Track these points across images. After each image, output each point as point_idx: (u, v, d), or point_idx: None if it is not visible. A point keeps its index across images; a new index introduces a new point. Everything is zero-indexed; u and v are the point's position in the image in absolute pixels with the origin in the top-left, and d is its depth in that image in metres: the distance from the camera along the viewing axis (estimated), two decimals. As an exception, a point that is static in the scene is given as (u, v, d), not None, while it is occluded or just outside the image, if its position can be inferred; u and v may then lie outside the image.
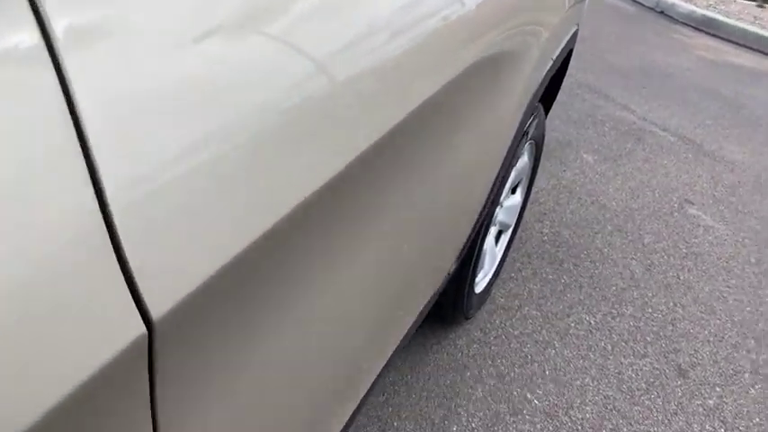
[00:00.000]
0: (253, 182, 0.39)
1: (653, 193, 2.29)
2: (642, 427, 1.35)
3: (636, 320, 1.65)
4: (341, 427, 0.77)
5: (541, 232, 1.97)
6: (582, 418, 1.34)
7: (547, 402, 1.37)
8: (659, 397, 1.42)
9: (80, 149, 0.29)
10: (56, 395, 0.25)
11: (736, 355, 1.59)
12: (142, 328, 0.29)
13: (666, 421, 1.36)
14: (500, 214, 1.47)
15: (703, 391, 1.46)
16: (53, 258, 0.26)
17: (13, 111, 0.27)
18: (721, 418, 1.39)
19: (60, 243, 0.27)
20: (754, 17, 4.89)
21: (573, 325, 1.60)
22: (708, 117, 3.06)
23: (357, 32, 0.54)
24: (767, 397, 1.47)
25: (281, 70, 0.44)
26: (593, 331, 1.59)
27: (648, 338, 1.59)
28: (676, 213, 2.18)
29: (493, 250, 1.55)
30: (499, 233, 1.62)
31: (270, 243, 0.40)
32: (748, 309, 1.76)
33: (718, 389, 1.47)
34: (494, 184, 1.15)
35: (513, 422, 1.31)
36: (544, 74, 1.23)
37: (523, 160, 1.45)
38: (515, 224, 1.66)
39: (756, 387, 1.49)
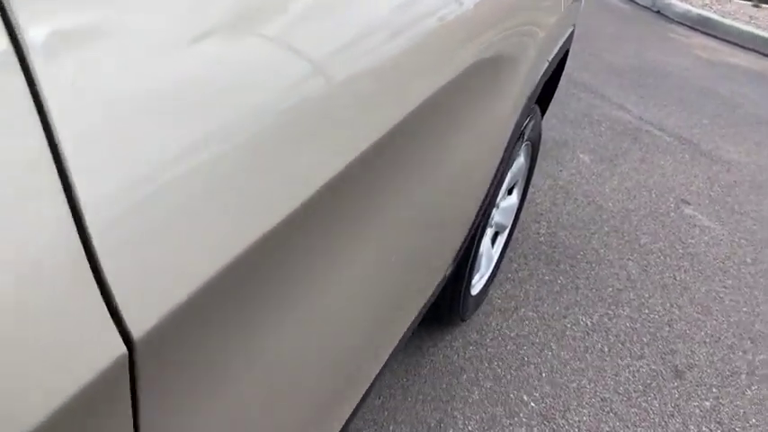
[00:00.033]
0: (244, 189, 0.38)
1: (649, 194, 2.29)
2: (639, 429, 1.34)
3: (633, 321, 1.65)
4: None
5: (538, 233, 1.96)
6: (579, 421, 1.34)
7: (543, 405, 1.36)
8: (656, 399, 1.42)
9: (53, 159, 0.27)
10: (30, 422, 0.24)
11: (732, 356, 1.58)
12: (122, 348, 0.28)
13: (663, 423, 1.36)
14: (496, 215, 1.46)
15: (700, 393, 1.45)
16: (23, 274, 0.25)
17: None
18: (718, 420, 1.39)
19: (31, 258, 0.25)
20: (750, 17, 4.90)
21: (570, 326, 1.60)
22: (704, 117, 3.06)
23: (355, 33, 0.54)
24: (764, 398, 1.46)
25: (278, 71, 0.44)
26: (590, 333, 1.59)
27: (645, 340, 1.59)
28: (673, 213, 2.18)
29: (489, 252, 1.55)
30: (495, 234, 1.61)
31: (260, 253, 0.39)
32: (745, 309, 1.76)
33: (714, 390, 1.47)
34: (490, 186, 1.14)
35: (510, 425, 1.30)
36: (540, 75, 1.22)
37: (520, 161, 1.45)
38: (512, 225, 1.65)
39: (753, 388, 1.49)
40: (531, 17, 1.07)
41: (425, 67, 0.66)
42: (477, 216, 1.13)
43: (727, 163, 2.62)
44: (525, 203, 1.90)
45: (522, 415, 1.33)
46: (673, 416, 1.38)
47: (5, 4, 0.28)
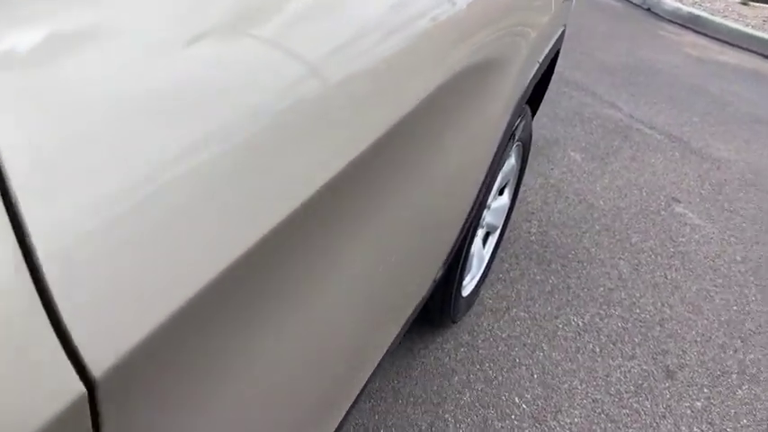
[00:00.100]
0: (215, 211, 0.36)
1: (640, 192, 2.29)
2: (631, 430, 1.34)
3: (624, 321, 1.64)
4: None
5: (529, 232, 1.95)
6: (570, 423, 1.33)
7: (535, 407, 1.35)
8: (647, 399, 1.42)
9: None
10: None
11: (723, 355, 1.58)
12: (81, 388, 0.26)
13: (655, 424, 1.36)
14: (487, 216, 1.45)
15: (691, 393, 1.45)
16: None
17: None
18: (709, 420, 1.39)
19: None
20: (739, 14, 4.92)
21: (561, 327, 1.59)
22: (694, 114, 3.07)
23: (352, 35, 0.54)
24: (754, 398, 1.47)
25: (274, 73, 0.43)
26: (582, 333, 1.58)
27: (636, 340, 1.59)
28: (663, 212, 2.18)
29: (480, 252, 1.54)
30: (487, 235, 1.60)
31: (238, 273, 0.37)
32: (735, 308, 1.76)
33: (705, 390, 1.47)
34: (481, 187, 1.13)
35: (501, 427, 1.30)
36: (531, 75, 1.21)
37: (511, 162, 1.44)
38: (503, 225, 1.65)
39: (744, 388, 1.49)
40: (523, 18, 1.05)
41: (420, 68, 0.66)
42: (468, 217, 1.12)
43: (717, 161, 2.63)
44: (516, 203, 1.89)
45: (513, 417, 1.32)
46: (664, 417, 1.38)
47: None
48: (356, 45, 0.54)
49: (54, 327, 0.25)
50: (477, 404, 1.34)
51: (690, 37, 4.48)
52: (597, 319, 1.63)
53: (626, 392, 1.43)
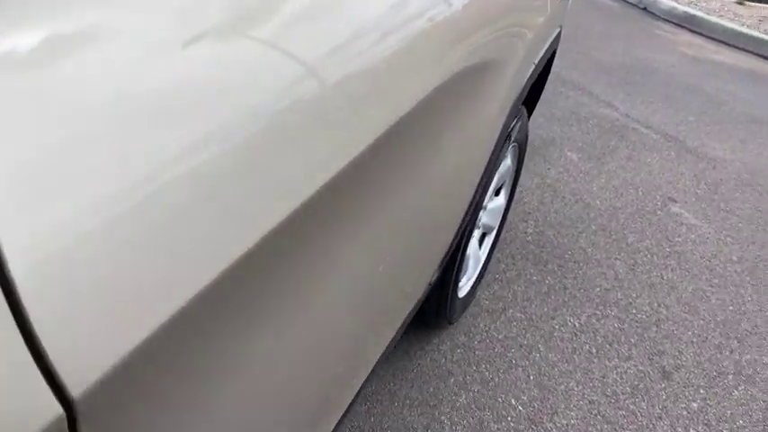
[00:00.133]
0: (215, 211, 0.35)
1: (636, 192, 2.29)
2: None
3: (620, 322, 1.64)
4: None
5: (525, 232, 1.95)
6: (567, 424, 1.33)
7: (531, 408, 1.35)
8: (643, 401, 1.41)
9: None
10: None
11: (719, 356, 1.58)
12: (57, 410, 0.25)
13: (651, 426, 1.36)
14: (484, 217, 1.45)
15: (687, 394, 1.45)
16: None
17: None
18: (705, 422, 1.39)
19: None
20: (734, 14, 4.93)
21: (557, 327, 1.59)
22: (690, 114, 3.07)
23: (349, 36, 0.54)
24: (750, 399, 1.47)
25: (271, 74, 0.43)
26: (578, 334, 1.58)
27: (633, 340, 1.59)
28: (659, 212, 2.18)
29: (476, 253, 1.53)
30: (483, 235, 1.60)
31: (233, 279, 0.36)
32: (731, 308, 1.76)
33: (702, 391, 1.47)
34: (477, 188, 1.12)
35: (497, 429, 1.29)
36: (527, 77, 1.20)
37: (507, 163, 1.43)
38: (499, 226, 1.64)
39: (740, 389, 1.49)
40: (518, 19, 1.05)
41: (418, 69, 0.66)
42: (464, 217, 1.12)
43: (712, 160, 2.63)
44: (513, 203, 1.89)
45: (509, 419, 1.32)
46: (660, 418, 1.38)
47: None
48: (355, 46, 0.54)
49: (27, 341, 0.24)
50: (473, 406, 1.33)
51: (686, 36, 4.49)
52: (594, 320, 1.63)
53: (622, 393, 1.42)
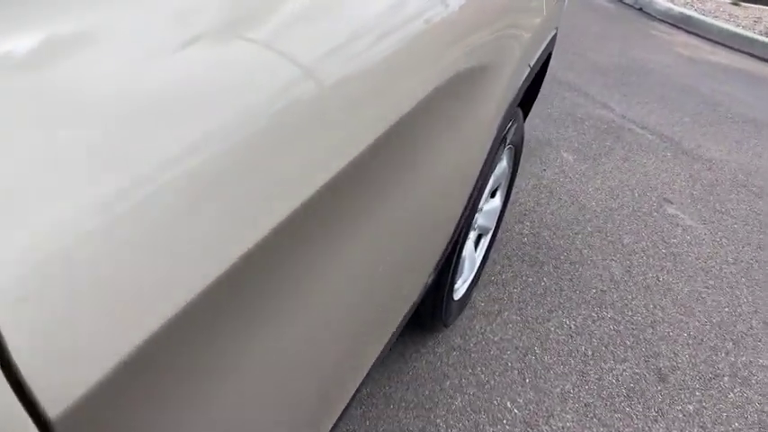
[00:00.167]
0: (215, 211, 0.35)
1: (632, 193, 2.29)
2: (623, 434, 1.33)
3: (616, 324, 1.64)
4: None
5: (521, 233, 1.95)
6: (562, 427, 1.32)
7: (527, 411, 1.35)
8: (639, 403, 1.41)
9: None
10: None
11: (715, 357, 1.58)
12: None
13: (647, 428, 1.35)
14: (480, 219, 1.44)
15: (683, 396, 1.45)
16: None
17: None
18: (701, 424, 1.39)
19: None
20: (730, 15, 4.94)
21: (553, 329, 1.58)
22: (685, 114, 3.07)
23: (348, 37, 0.54)
24: (746, 401, 1.47)
25: (270, 75, 0.43)
26: (574, 336, 1.58)
27: (628, 342, 1.58)
28: (655, 213, 2.18)
29: (472, 255, 1.53)
30: (479, 237, 1.59)
31: (221, 290, 0.36)
32: (726, 309, 1.76)
33: (697, 393, 1.46)
34: (473, 190, 1.12)
35: (494, 432, 1.29)
36: (523, 79, 1.20)
37: (502, 165, 1.43)
38: (495, 227, 1.64)
39: (735, 391, 1.49)
40: (514, 20, 1.04)
41: (416, 70, 0.67)
42: (460, 219, 1.11)
43: (708, 161, 2.63)
44: (509, 204, 1.89)
45: (505, 422, 1.31)
46: (656, 420, 1.38)
47: None
48: (354, 46, 0.55)
49: (3, 368, 0.24)
50: (468, 409, 1.33)
51: (681, 37, 4.50)
52: (589, 322, 1.63)
53: (618, 396, 1.42)
